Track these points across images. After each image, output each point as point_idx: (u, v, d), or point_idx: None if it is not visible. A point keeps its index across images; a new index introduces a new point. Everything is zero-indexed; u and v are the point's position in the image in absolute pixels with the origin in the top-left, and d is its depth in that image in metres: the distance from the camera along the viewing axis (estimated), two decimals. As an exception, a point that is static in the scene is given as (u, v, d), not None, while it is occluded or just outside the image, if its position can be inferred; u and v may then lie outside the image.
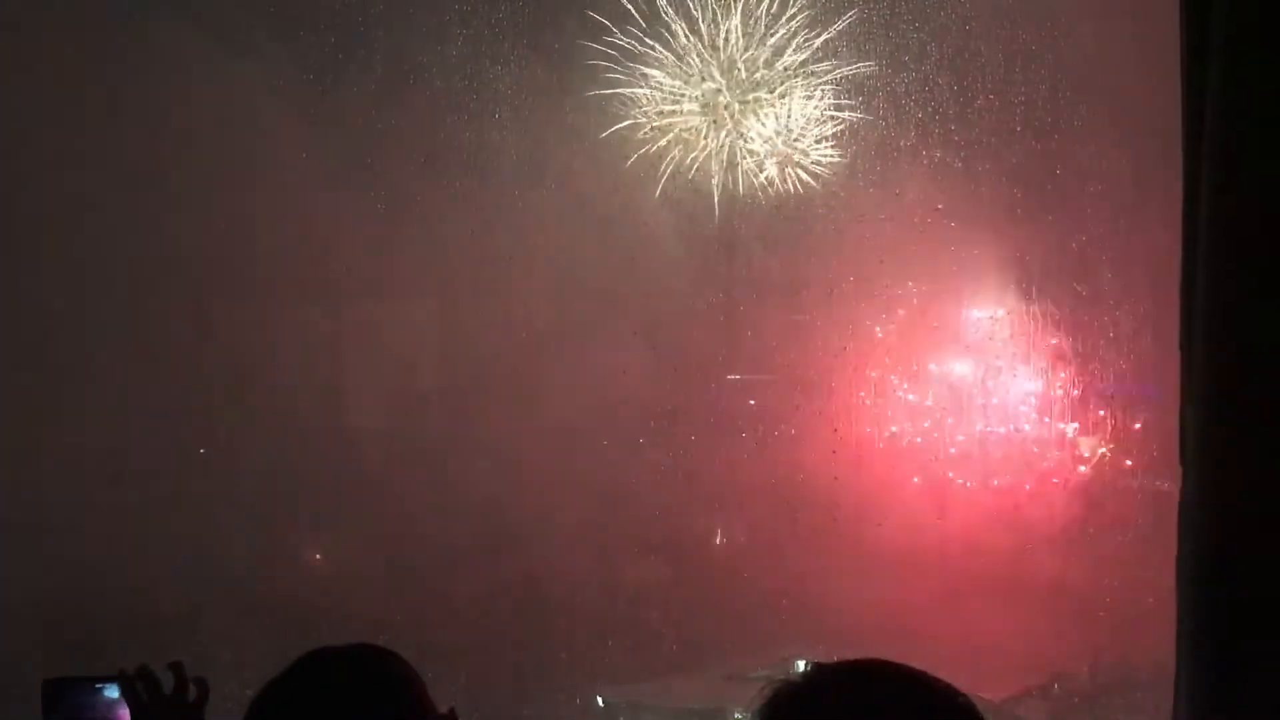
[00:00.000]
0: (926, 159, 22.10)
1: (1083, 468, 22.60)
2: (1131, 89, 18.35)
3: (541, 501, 22.73)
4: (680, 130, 23.10)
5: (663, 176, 23.02)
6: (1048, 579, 20.11)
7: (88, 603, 19.78)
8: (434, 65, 22.27)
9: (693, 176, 23.07)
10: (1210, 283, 2.49)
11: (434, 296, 23.56)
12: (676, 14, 22.65)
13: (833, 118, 22.55)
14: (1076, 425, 22.80)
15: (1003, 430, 23.14)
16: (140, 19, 21.32)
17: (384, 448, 22.81)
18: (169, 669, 2.49)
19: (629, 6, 22.39)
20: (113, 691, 2.43)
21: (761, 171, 22.90)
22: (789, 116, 22.67)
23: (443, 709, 2.37)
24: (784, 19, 22.48)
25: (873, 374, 23.07)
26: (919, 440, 23.38)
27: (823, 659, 1.93)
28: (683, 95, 23.04)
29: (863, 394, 22.98)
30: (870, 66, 21.97)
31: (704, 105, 23.06)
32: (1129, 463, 22.02)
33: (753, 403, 23.76)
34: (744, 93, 22.95)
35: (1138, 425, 21.84)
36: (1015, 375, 22.81)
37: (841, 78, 22.33)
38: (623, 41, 22.58)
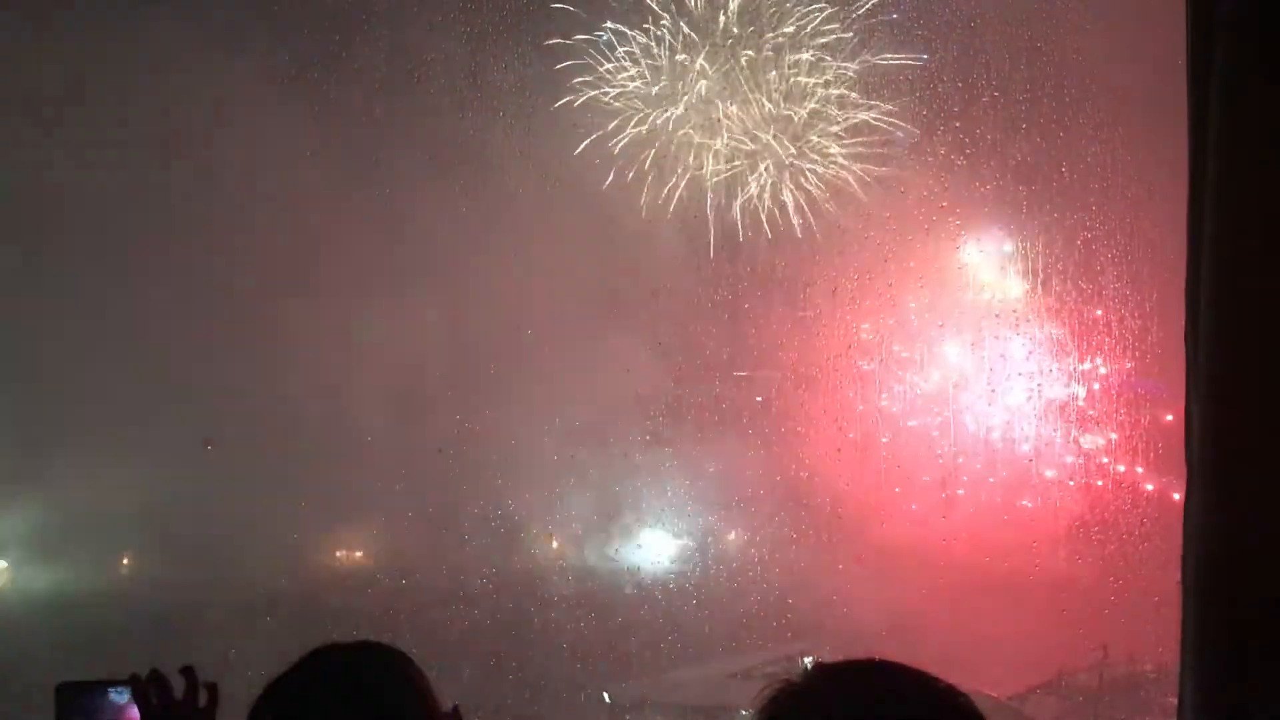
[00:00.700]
0: (931, 156, 22.14)
1: (1089, 465, 22.55)
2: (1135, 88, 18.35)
3: (546, 499, 22.77)
4: (683, 132, 23.17)
5: (669, 178, 23.10)
6: (1054, 577, 20.06)
7: (96, 605, 19.88)
8: (438, 63, 22.29)
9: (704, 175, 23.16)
10: (1215, 280, 2.49)
11: (437, 292, 23.57)
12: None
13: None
14: (1083, 423, 22.76)
15: (1009, 428, 23.09)
16: (140, 18, 21.35)
17: (387, 446, 22.80)
18: (180, 673, 2.50)
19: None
20: (124, 695, 2.44)
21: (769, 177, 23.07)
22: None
23: (447, 706, 2.38)
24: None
25: (872, 368, 23.07)
26: (925, 434, 23.35)
27: (829, 656, 1.94)
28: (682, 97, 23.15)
29: (867, 391, 22.98)
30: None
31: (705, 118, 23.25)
32: (1135, 461, 21.98)
33: (759, 399, 23.76)
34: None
35: (1145, 422, 21.81)
36: (1021, 373, 22.76)
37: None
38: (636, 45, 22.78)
